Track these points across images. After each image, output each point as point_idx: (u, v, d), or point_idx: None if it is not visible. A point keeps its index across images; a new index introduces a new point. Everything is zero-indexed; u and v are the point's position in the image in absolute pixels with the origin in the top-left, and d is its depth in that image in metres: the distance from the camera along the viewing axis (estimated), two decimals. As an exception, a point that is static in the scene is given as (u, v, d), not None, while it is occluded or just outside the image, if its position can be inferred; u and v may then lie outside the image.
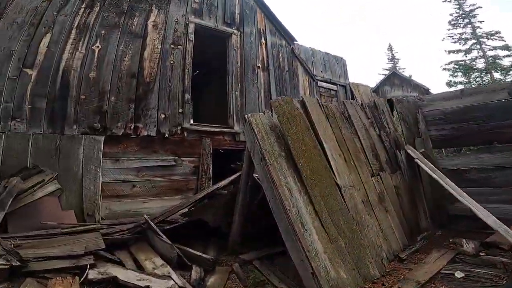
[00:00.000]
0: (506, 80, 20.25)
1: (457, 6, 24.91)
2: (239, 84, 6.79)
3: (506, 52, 22.28)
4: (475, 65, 22.81)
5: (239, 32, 7.09)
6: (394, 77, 20.75)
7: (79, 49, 4.94)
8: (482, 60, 23.05)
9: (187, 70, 5.94)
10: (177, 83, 5.81)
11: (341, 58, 10.30)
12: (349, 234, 3.07)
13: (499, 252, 3.33)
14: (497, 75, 21.87)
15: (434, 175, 3.83)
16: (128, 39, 5.41)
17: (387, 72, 26.14)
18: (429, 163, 4.08)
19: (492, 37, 23.03)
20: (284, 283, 3.09)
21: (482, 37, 23.46)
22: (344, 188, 3.32)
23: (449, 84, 22.57)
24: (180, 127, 5.76)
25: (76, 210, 4.62)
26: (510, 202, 4.09)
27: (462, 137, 4.88)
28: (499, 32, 22.85)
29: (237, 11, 7.22)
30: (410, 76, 22.16)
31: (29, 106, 4.53)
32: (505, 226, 3.03)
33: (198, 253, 3.51)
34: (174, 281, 2.97)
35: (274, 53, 7.79)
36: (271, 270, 3.42)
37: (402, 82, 19.89)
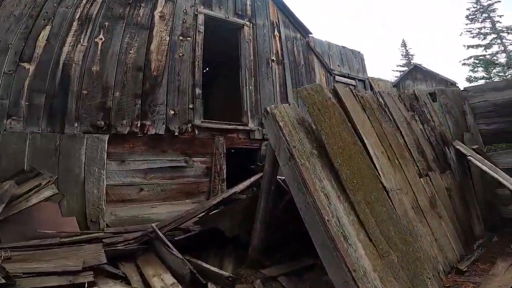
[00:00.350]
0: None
1: (474, 1, 24.00)
2: (253, 79, 6.29)
3: (528, 46, 21.18)
4: (496, 59, 21.74)
5: (251, 24, 6.62)
6: (416, 71, 19.75)
7: (81, 41, 4.56)
8: (504, 54, 21.99)
9: (197, 63, 5.49)
10: (186, 77, 5.36)
11: (358, 52, 9.75)
12: (402, 247, 2.49)
13: None
14: (520, 70, 20.75)
15: (495, 175, 3.22)
16: (134, 31, 5.00)
17: (402, 69, 25.31)
18: (486, 161, 3.47)
19: (512, 32, 22.00)
20: (318, 306, 2.54)
21: (503, 32, 22.42)
22: (392, 191, 2.76)
23: (469, 80, 21.55)
24: (190, 125, 5.30)
25: (78, 216, 4.23)
26: None
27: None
28: (520, 27, 21.80)
29: (248, 2, 6.76)
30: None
31: (27, 103, 4.14)
32: None
33: (215, 269, 2.99)
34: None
35: (289, 46, 7.29)
36: (300, 289, 2.86)
37: (425, 76, 18.92)
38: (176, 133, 5.13)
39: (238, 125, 5.99)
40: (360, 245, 2.31)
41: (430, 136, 3.75)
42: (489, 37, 22.95)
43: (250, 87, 6.18)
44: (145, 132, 4.87)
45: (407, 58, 29.42)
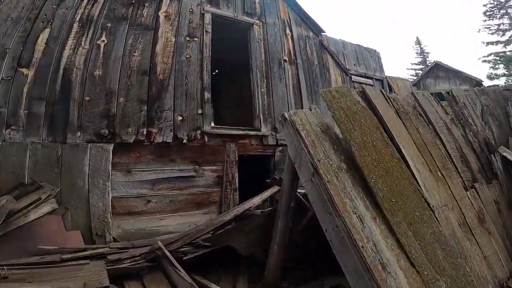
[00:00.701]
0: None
1: (492, -3, 23.21)
2: (265, 80, 5.92)
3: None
4: (517, 56, 20.84)
5: (261, 23, 6.26)
6: (437, 69, 18.86)
7: (82, 44, 4.28)
8: (525, 51, 21.06)
9: (205, 65, 5.15)
10: (194, 80, 5.03)
11: (374, 50, 9.29)
12: (451, 272, 2.08)
13: None
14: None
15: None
16: (138, 32, 4.70)
17: (417, 67, 24.51)
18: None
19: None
20: None
21: (523, 28, 21.54)
22: (438, 209, 2.34)
23: (490, 77, 20.72)
24: (199, 131, 4.95)
25: (83, 230, 3.98)
26: None
27: None
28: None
29: (257, 0, 6.41)
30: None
31: (26, 111, 3.88)
32: None
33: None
34: None
35: (301, 45, 6.89)
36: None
37: (448, 74, 18.04)
38: (185, 141, 4.80)
39: (250, 130, 5.62)
40: (401, 272, 1.95)
41: (473, 142, 3.28)
42: (508, 34, 22.11)
43: (262, 89, 5.81)
44: (151, 140, 4.56)
45: (422, 56, 28.58)
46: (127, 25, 4.66)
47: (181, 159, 4.79)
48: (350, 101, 2.53)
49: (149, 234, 4.41)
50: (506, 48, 21.76)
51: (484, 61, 21.93)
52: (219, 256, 3.49)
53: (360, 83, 8.04)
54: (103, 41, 4.42)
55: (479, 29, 24.95)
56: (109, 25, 4.52)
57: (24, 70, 3.93)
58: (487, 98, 3.90)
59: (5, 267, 2.88)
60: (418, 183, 2.32)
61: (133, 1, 4.79)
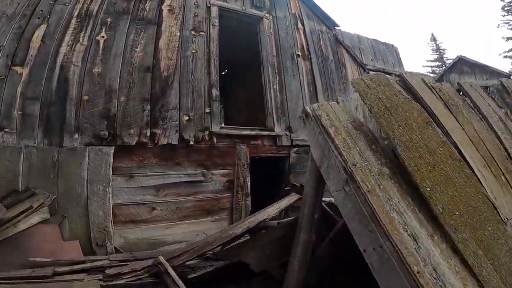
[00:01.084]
0: None
1: (510, -9, 22.25)
2: (277, 76, 5.50)
3: None
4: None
5: (271, 16, 5.88)
6: (461, 64, 17.89)
7: (80, 40, 3.99)
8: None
9: (212, 60, 4.79)
10: (201, 77, 4.66)
11: (392, 45, 8.76)
12: (534, 298, 1.56)
13: None
14: None
15: None
16: (140, 27, 4.39)
17: (433, 64, 23.60)
18: None
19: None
20: None
21: (544, 21, 20.46)
22: (510, 221, 1.83)
23: (512, 73, 19.59)
24: (207, 132, 4.56)
25: (82, 240, 3.68)
26: None
27: None
28: None
29: (266, -7, 6.04)
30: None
31: (20, 112, 3.60)
32: None
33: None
34: None
35: (315, 40, 6.46)
36: None
37: (473, 68, 17.08)
38: (192, 142, 4.42)
39: (262, 130, 5.19)
40: (469, 300, 1.45)
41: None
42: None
43: (275, 86, 5.39)
44: (155, 142, 4.20)
45: (438, 53, 27.63)
46: (129, 19, 4.36)
47: (188, 163, 4.41)
48: (389, 91, 2.07)
49: (154, 244, 4.07)
50: (528, 42, 20.73)
51: (506, 56, 20.97)
52: (229, 271, 3.07)
53: (379, 78, 7.53)
54: (103, 36, 4.12)
55: (498, 25, 23.97)
56: (109, 20, 4.23)
57: (18, 69, 3.66)
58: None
59: (-8, 283, 2.57)
60: (486, 191, 1.82)
61: (135, -5, 4.50)
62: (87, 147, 3.81)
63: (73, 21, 4.03)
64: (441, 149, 1.83)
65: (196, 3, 4.96)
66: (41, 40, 3.80)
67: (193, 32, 4.78)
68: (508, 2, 22.48)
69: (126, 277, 3.09)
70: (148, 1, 4.55)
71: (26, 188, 3.54)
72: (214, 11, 5.09)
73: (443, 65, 24.36)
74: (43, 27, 3.86)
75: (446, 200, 1.71)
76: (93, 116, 3.88)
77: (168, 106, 4.33)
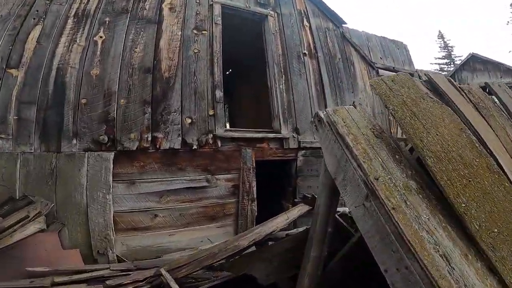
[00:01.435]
0: None
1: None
2: (283, 76, 5.28)
3: None
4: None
5: (276, 14, 5.66)
6: (473, 61, 17.43)
7: (77, 41, 3.82)
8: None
9: (216, 60, 4.59)
10: (204, 78, 4.47)
11: (401, 42, 8.47)
12: None
13: None
14: None
15: None
16: (139, 26, 4.21)
17: (441, 61, 23.11)
18: None
19: None
20: None
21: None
22: None
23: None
24: (211, 135, 4.37)
25: (82, 248, 3.54)
26: None
27: None
28: None
29: (270, -10, 5.82)
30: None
31: (15, 117, 3.44)
32: None
33: None
34: None
35: (321, 38, 6.22)
36: None
37: (486, 66, 16.55)
38: (195, 146, 4.23)
39: (269, 132, 4.98)
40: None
41: None
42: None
43: (281, 86, 5.17)
44: (157, 146, 4.02)
45: (446, 50, 27.06)
46: (128, 19, 4.18)
47: (191, 168, 4.22)
48: (415, 93, 1.85)
49: (158, 251, 3.92)
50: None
51: (516, 52, 20.44)
52: (235, 284, 2.88)
53: (388, 77, 7.26)
54: (101, 37, 3.94)
55: (508, 22, 23.38)
56: (107, 19, 4.05)
57: (13, 71, 3.50)
58: None
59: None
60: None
61: (134, -7, 4.32)
62: (86, 153, 3.65)
63: (70, 21, 3.87)
64: (476, 160, 1.60)
65: (198, 1, 4.77)
66: (36, 42, 3.63)
67: (195, 31, 4.59)
68: (517, -3, 21.91)
69: (128, 288, 2.94)
70: (148, 0, 4.37)
71: (23, 196, 3.38)
72: (217, 9, 4.90)
73: (452, 63, 23.85)
74: (38, 28, 3.70)
75: (483, 217, 1.50)
76: (91, 120, 3.72)
77: (170, 108, 4.15)
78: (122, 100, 3.87)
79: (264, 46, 5.41)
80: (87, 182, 3.64)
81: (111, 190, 3.71)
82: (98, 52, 3.87)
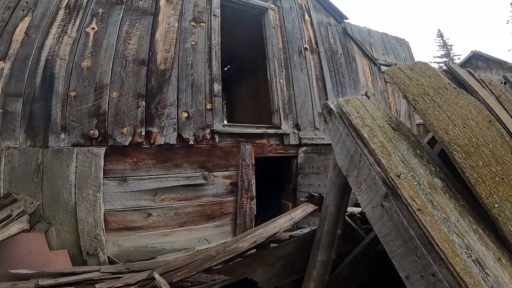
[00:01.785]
0: None
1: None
2: (284, 70, 5.10)
3: None
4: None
5: (276, 7, 5.50)
6: (475, 59, 17.20)
7: (68, 32, 3.64)
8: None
9: (214, 53, 4.41)
10: (202, 70, 4.28)
11: (403, 39, 8.33)
12: None
13: None
14: None
15: None
16: (134, 17, 4.04)
17: (440, 60, 22.94)
18: None
19: None
20: None
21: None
22: None
23: (524, 69, 18.83)
24: (209, 130, 4.18)
25: (71, 249, 3.36)
26: None
27: None
28: None
29: (270, -17, 5.66)
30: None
31: (1, 110, 3.25)
32: None
33: None
34: None
35: (323, 33, 6.05)
36: None
37: (489, 64, 16.33)
38: (192, 142, 4.04)
39: (268, 128, 4.79)
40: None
41: None
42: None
43: (281, 80, 4.99)
44: (151, 142, 3.83)
45: (445, 49, 26.95)
46: (122, 10, 4.01)
47: (187, 164, 4.03)
48: (437, 82, 1.66)
49: (152, 252, 3.75)
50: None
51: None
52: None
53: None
54: (93, 28, 3.76)
55: (508, 21, 23.31)
56: (100, 11, 3.88)
57: (0, 63, 3.31)
58: None
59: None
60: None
61: (129, -17, 4.14)
62: (75, 148, 3.45)
63: (61, 12, 3.69)
64: (509, 156, 1.40)
65: (195, -7, 4.60)
66: (24, 33, 3.45)
67: (192, 23, 4.41)
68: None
69: (118, 293, 2.75)
70: (143, -10, 4.20)
71: (7, 193, 3.18)
72: (216, 0, 4.73)
73: (451, 61, 23.70)
74: (27, 19, 3.52)
75: (518, 217, 1.30)
76: (81, 113, 3.53)
77: (165, 102, 3.96)
78: (114, 93, 3.68)
79: (264, 40, 5.25)
80: (76, 179, 3.45)
81: (101, 187, 3.52)
82: (90, 44, 3.69)
